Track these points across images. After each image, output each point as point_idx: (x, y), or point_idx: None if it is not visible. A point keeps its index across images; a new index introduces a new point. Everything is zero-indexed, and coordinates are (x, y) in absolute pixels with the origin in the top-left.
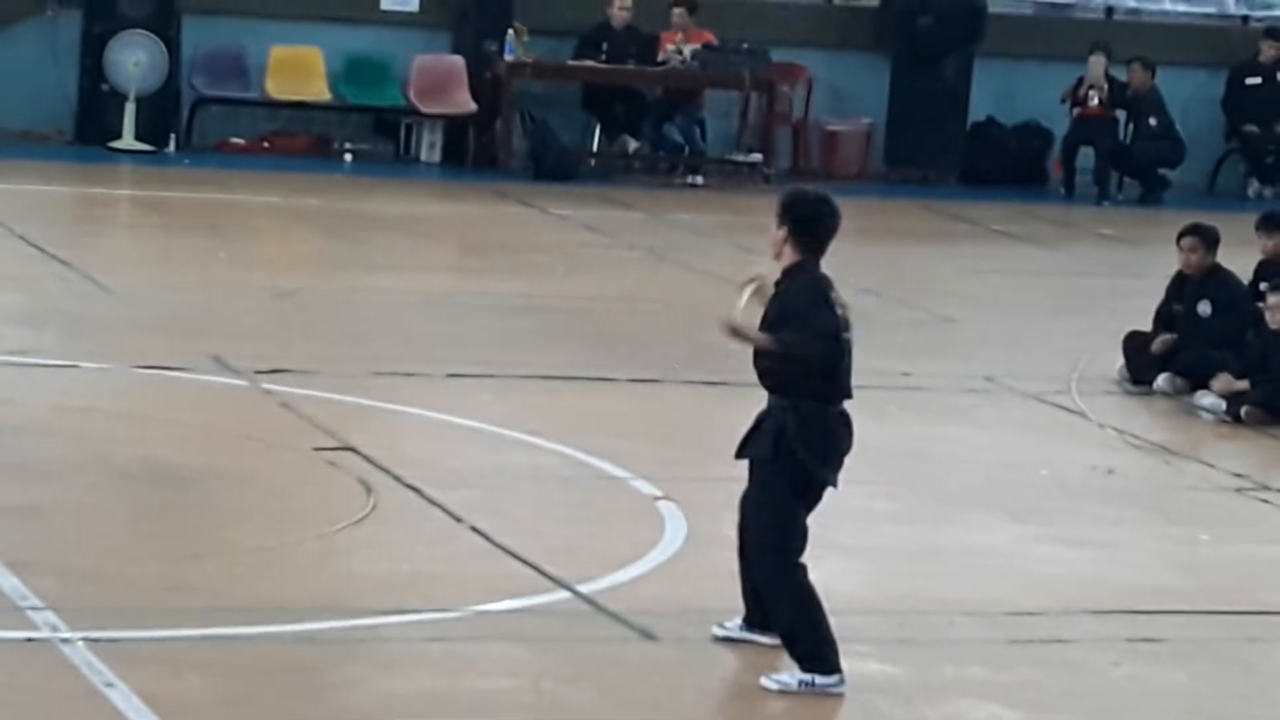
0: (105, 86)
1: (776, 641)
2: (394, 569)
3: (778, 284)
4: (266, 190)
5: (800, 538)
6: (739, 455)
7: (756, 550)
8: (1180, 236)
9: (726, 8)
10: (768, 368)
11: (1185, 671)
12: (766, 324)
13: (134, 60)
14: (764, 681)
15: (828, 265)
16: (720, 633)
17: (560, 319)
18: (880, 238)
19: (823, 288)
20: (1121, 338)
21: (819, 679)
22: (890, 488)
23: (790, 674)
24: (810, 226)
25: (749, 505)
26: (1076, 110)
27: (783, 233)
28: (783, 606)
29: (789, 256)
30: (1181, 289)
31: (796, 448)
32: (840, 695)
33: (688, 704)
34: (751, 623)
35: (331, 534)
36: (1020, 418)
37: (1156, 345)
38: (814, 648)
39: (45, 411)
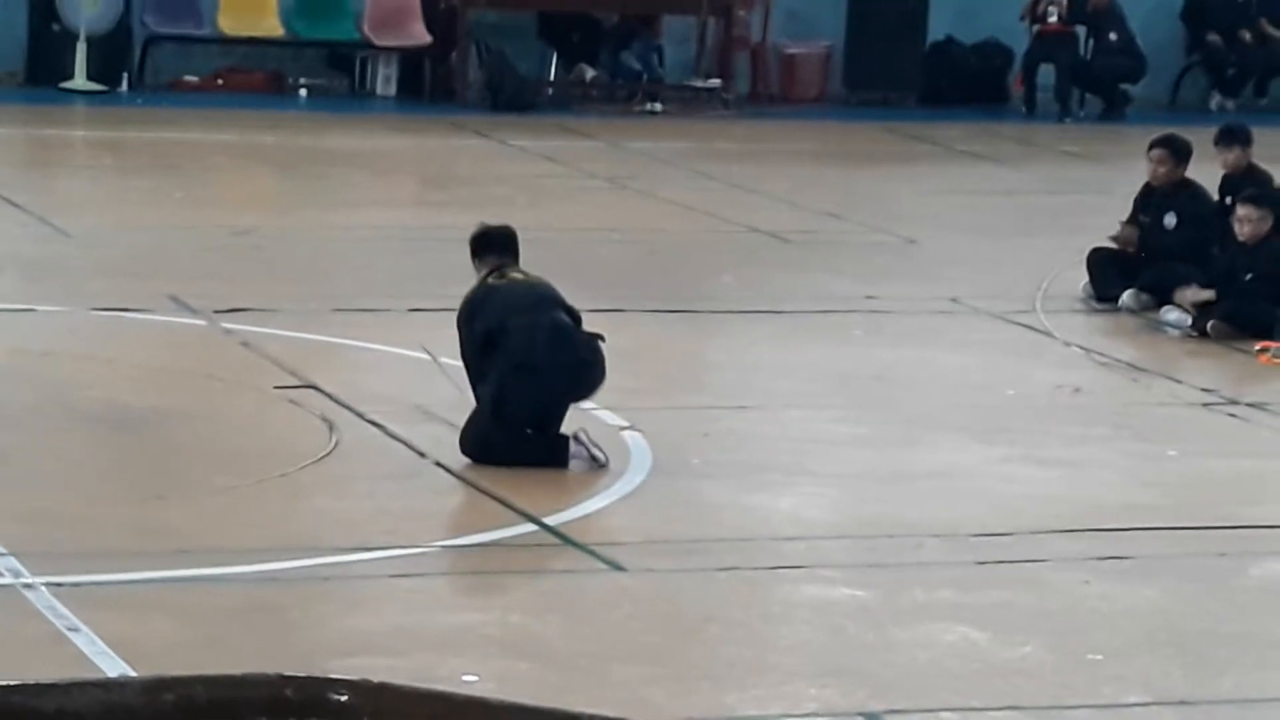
0: (56, 26)
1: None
2: (358, 506)
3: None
4: (222, 128)
5: None
6: None
7: None
8: (1150, 148)
9: None
10: None
11: (1155, 588)
12: None
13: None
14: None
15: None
16: None
17: (522, 250)
18: (841, 161)
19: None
20: (1085, 255)
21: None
22: (856, 411)
23: None
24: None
25: None
26: (1036, 27)
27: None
28: None
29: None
30: (1148, 201)
31: None
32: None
33: (656, 634)
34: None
35: (295, 472)
36: (986, 338)
37: (1120, 236)
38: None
39: (3, 356)
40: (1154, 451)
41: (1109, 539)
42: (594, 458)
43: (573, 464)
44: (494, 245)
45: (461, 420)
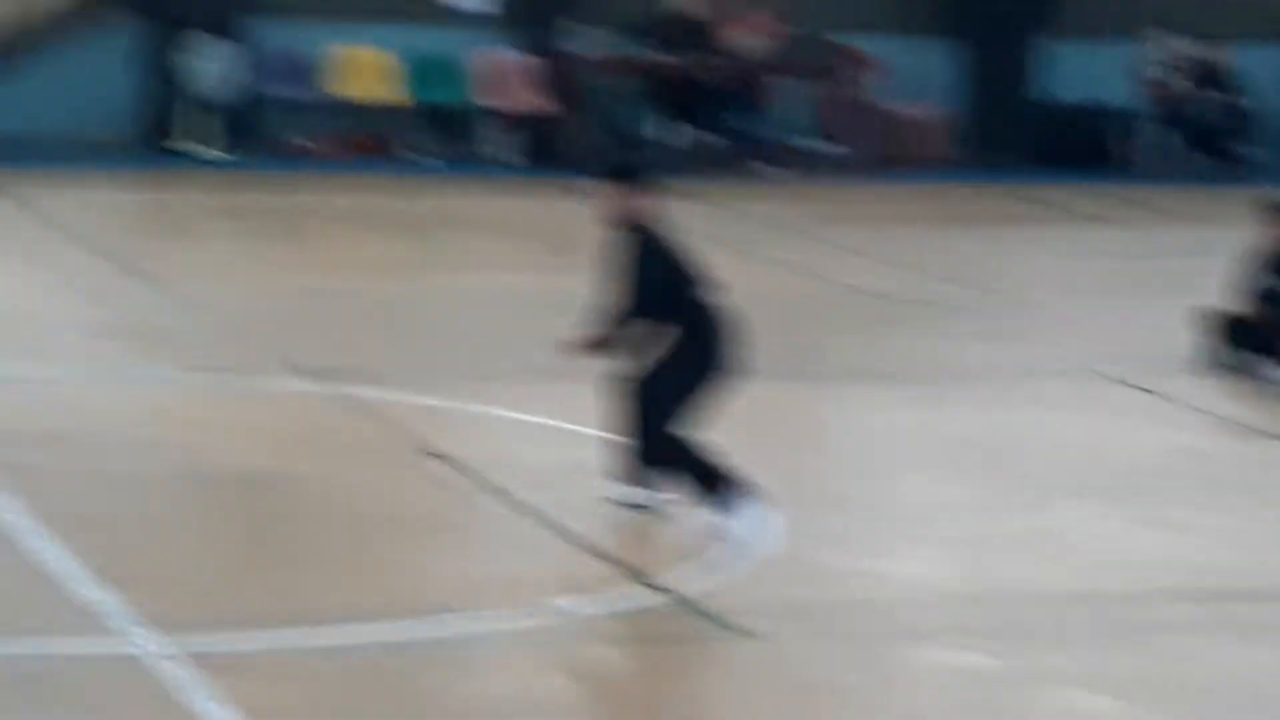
0: (170, 91)
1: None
2: (485, 571)
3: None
4: (335, 192)
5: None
6: None
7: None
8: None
9: None
10: None
11: None
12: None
13: (207, 65)
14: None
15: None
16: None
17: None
18: (956, 223)
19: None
20: (1203, 317)
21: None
22: (978, 475)
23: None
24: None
25: None
26: (1151, 89)
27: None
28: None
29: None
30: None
31: None
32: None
33: (784, 701)
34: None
35: (418, 537)
36: (1105, 401)
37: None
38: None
39: (123, 421)
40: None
41: (1232, 602)
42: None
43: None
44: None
45: (583, 485)
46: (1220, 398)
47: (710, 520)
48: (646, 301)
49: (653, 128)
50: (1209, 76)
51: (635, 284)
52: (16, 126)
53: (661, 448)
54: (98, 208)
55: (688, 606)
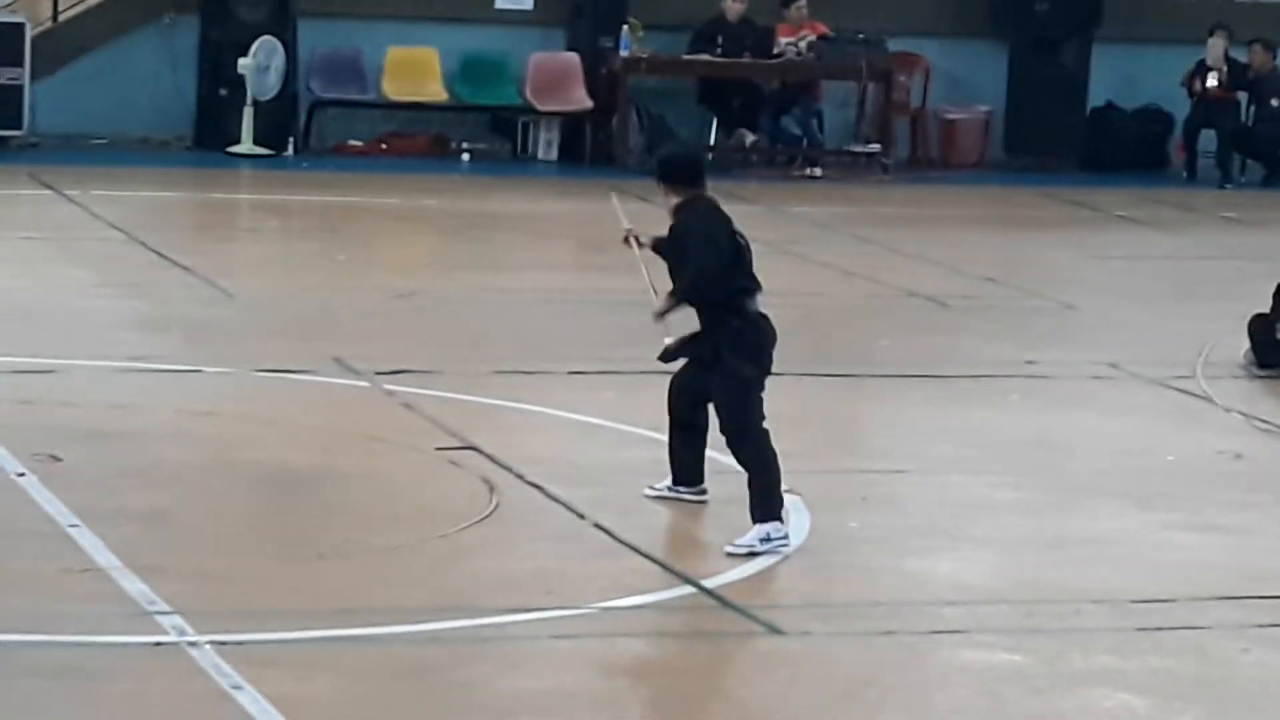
0: (224, 92)
1: (700, 497)
2: (518, 567)
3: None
4: (385, 192)
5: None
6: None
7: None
8: None
9: None
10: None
11: None
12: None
13: (260, 65)
14: (729, 549)
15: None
16: (651, 493)
17: (681, 313)
18: (1001, 226)
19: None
20: (1246, 321)
21: (773, 531)
22: (1015, 477)
23: (748, 536)
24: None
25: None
26: (1197, 93)
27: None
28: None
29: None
30: None
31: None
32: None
33: (814, 698)
34: (678, 482)
35: (455, 533)
36: (1145, 404)
37: None
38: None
39: (169, 416)
40: None
41: (1270, 606)
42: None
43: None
44: (690, 174)
45: (621, 483)
46: (1261, 401)
47: (748, 521)
48: (696, 288)
49: (702, 129)
50: (1257, 81)
51: (687, 271)
52: (70, 124)
53: (750, 440)
54: (148, 205)
55: (724, 603)
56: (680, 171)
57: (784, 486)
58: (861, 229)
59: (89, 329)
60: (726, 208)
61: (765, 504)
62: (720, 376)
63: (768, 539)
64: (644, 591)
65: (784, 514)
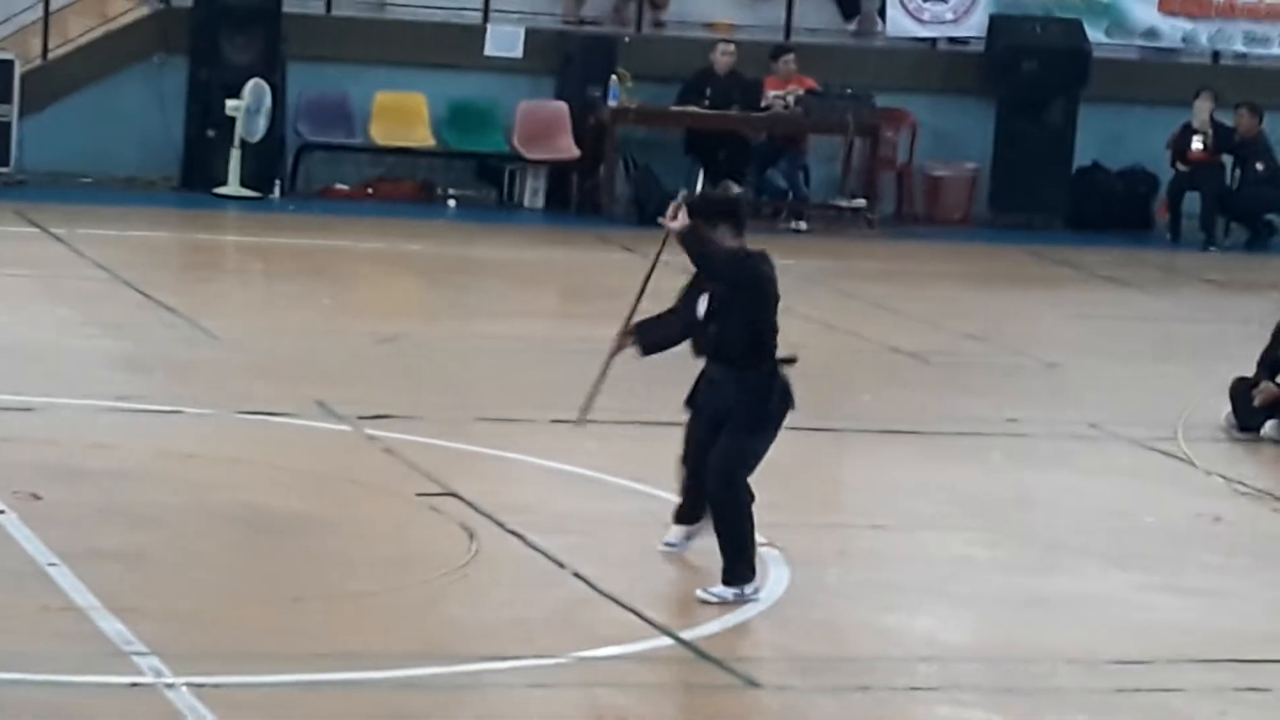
0: (211, 133)
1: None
2: (496, 615)
3: None
4: (370, 236)
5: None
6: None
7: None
8: None
9: (830, 53)
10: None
11: None
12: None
13: (248, 107)
14: (700, 594)
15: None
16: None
17: (664, 364)
18: (984, 283)
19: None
20: (1228, 384)
21: (748, 589)
22: (994, 535)
23: (722, 588)
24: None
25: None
26: (1183, 155)
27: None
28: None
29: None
30: None
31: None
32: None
33: None
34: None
35: (434, 579)
36: (1126, 464)
37: (1259, 396)
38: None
39: (150, 457)
40: None
41: (1247, 670)
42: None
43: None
44: (730, 214)
45: (600, 532)
46: (1242, 464)
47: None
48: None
49: (689, 180)
50: (1242, 145)
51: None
52: (58, 162)
53: (729, 491)
54: (133, 245)
55: (701, 655)
56: (703, 209)
57: (760, 540)
58: (845, 283)
59: (72, 368)
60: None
61: (734, 569)
62: (746, 421)
63: (740, 594)
64: (622, 642)
65: (755, 566)
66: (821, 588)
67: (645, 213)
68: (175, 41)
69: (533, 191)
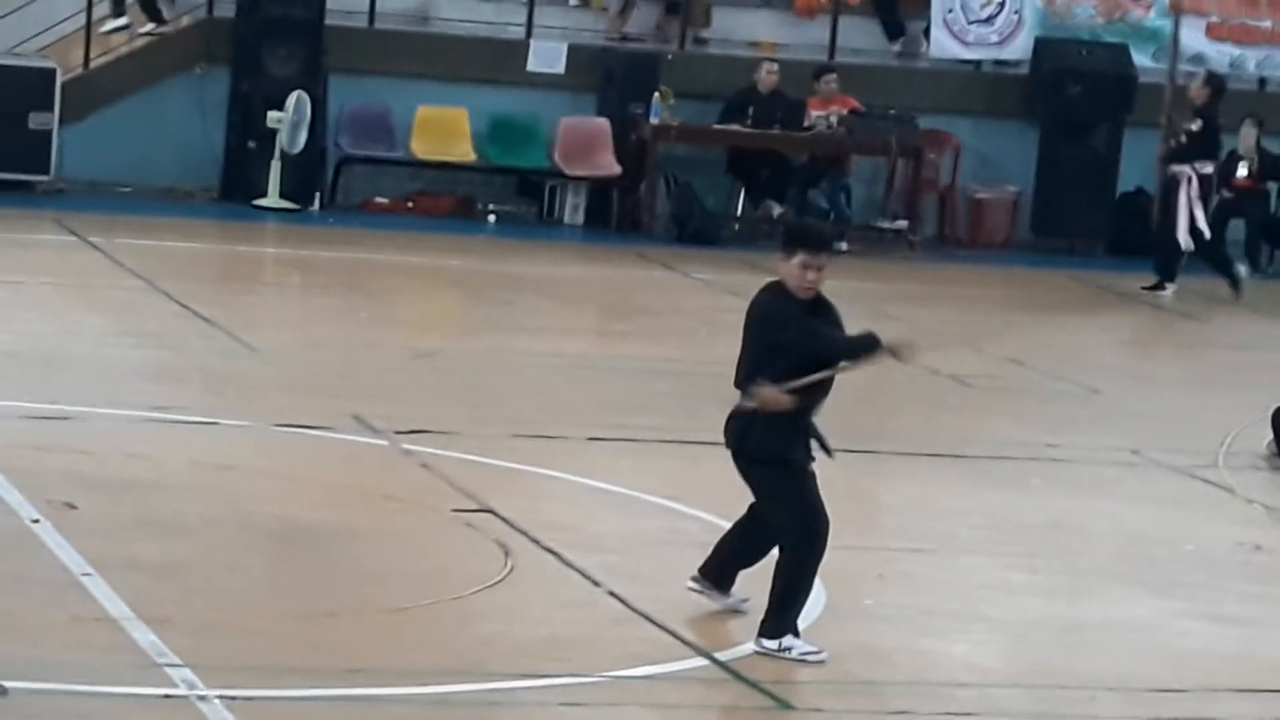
0: (252, 144)
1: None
2: (530, 632)
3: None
4: (410, 250)
5: None
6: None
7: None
8: None
9: (873, 74)
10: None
11: None
12: None
13: (289, 120)
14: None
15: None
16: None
17: (701, 383)
18: (1026, 307)
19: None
20: (1271, 412)
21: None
22: (1033, 560)
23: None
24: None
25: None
26: (1226, 181)
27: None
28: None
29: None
30: None
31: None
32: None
33: None
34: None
35: (469, 596)
36: (1166, 492)
37: None
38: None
39: (185, 468)
40: None
41: None
42: None
43: None
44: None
45: (636, 551)
46: None
47: (763, 594)
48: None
49: (730, 199)
50: None
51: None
52: (97, 171)
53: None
54: (172, 256)
55: (736, 676)
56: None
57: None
58: (886, 305)
59: (108, 377)
60: (751, 279)
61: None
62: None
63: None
64: (656, 662)
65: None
66: (859, 611)
67: (685, 230)
68: (217, 52)
69: (573, 208)
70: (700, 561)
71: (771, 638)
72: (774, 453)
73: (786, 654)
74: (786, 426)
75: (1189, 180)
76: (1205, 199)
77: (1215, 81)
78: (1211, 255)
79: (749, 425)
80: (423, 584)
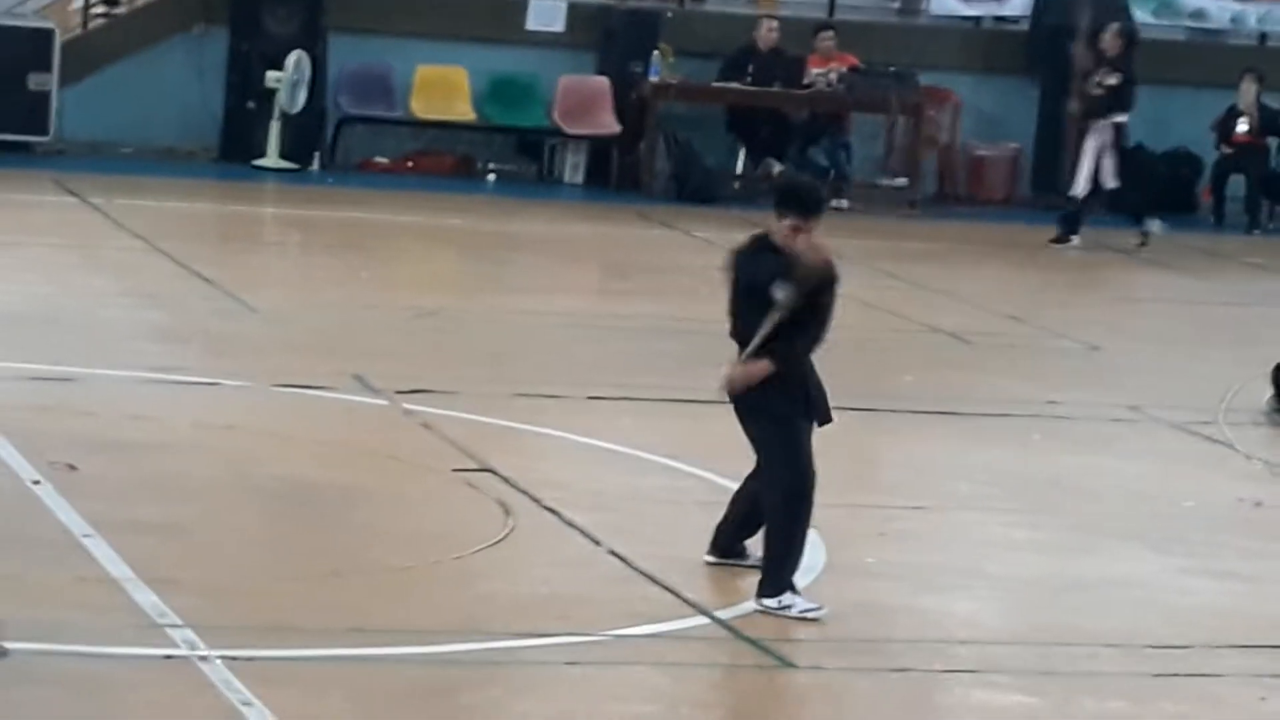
0: (251, 104)
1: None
2: (532, 591)
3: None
4: (410, 210)
5: None
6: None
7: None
8: None
9: (874, 31)
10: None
11: None
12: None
13: (289, 80)
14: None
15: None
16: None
17: (702, 342)
18: (1026, 264)
19: None
20: (1271, 368)
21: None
22: (1033, 517)
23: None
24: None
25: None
26: (1227, 138)
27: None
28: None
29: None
30: None
31: None
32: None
33: None
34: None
35: (470, 555)
36: (1166, 448)
37: None
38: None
39: (187, 429)
40: None
41: None
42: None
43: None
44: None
45: (637, 510)
46: None
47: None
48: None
49: (730, 158)
50: None
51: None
52: (97, 132)
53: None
54: (172, 216)
55: (737, 635)
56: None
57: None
58: (886, 263)
59: (109, 338)
60: (752, 236)
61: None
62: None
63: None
64: (657, 620)
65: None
66: (859, 569)
67: (685, 189)
68: (216, 12)
69: (573, 167)
70: (698, 520)
71: (771, 596)
72: (767, 405)
73: (786, 612)
74: (781, 379)
75: (1101, 130)
76: (1120, 150)
77: (1129, 33)
78: (1123, 205)
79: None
80: (424, 543)
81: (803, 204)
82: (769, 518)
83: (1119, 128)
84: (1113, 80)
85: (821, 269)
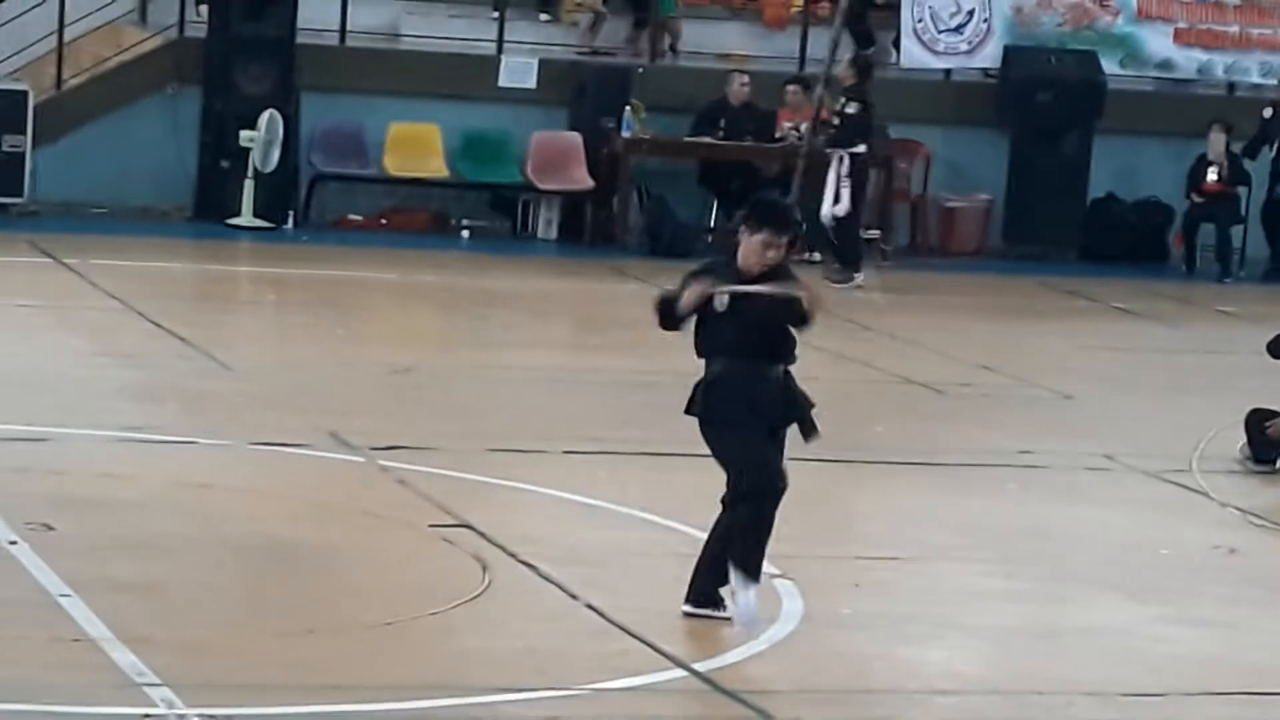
0: (225, 164)
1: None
2: (509, 646)
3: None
4: (384, 267)
5: None
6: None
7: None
8: None
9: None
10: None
11: None
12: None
13: (262, 138)
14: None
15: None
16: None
17: (677, 395)
18: (998, 314)
19: None
20: (1244, 415)
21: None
22: (1009, 566)
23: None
24: None
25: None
26: (1195, 186)
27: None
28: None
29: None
30: None
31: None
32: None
33: None
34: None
35: (447, 611)
36: (1141, 496)
37: (1274, 429)
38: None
39: (163, 487)
40: None
41: (1262, 703)
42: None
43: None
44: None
45: (613, 564)
46: (1257, 496)
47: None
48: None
49: (703, 211)
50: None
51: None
52: (71, 192)
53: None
54: (146, 275)
55: (715, 687)
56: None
57: (774, 571)
58: (858, 314)
59: (85, 398)
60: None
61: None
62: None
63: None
64: (635, 674)
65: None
66: (836, 620)
67: (658, 243)
68: (189, 72)
69: (546, 222)
70: (675, 573)
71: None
72: (710, 412)
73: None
74: (721, 389)
75: (839, 160)
76: (857, 179)
77: (861, 62)
78: (845, 236)
79: (694, 389)
80: (401, 599)
81: (774, 219)
82: (735, 518)
83: (856, 156)
84: (850, 110)
85: (814, 304)
